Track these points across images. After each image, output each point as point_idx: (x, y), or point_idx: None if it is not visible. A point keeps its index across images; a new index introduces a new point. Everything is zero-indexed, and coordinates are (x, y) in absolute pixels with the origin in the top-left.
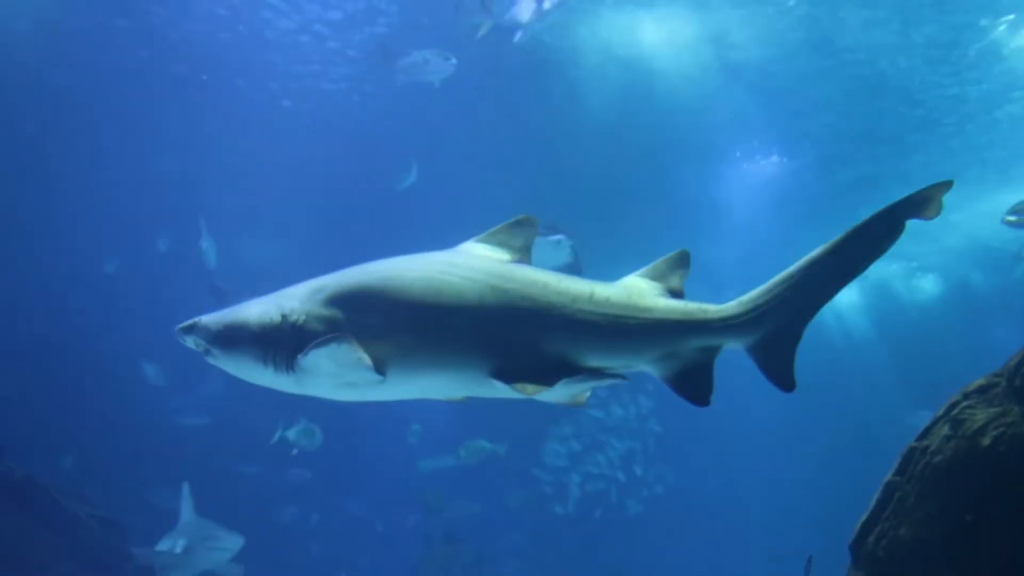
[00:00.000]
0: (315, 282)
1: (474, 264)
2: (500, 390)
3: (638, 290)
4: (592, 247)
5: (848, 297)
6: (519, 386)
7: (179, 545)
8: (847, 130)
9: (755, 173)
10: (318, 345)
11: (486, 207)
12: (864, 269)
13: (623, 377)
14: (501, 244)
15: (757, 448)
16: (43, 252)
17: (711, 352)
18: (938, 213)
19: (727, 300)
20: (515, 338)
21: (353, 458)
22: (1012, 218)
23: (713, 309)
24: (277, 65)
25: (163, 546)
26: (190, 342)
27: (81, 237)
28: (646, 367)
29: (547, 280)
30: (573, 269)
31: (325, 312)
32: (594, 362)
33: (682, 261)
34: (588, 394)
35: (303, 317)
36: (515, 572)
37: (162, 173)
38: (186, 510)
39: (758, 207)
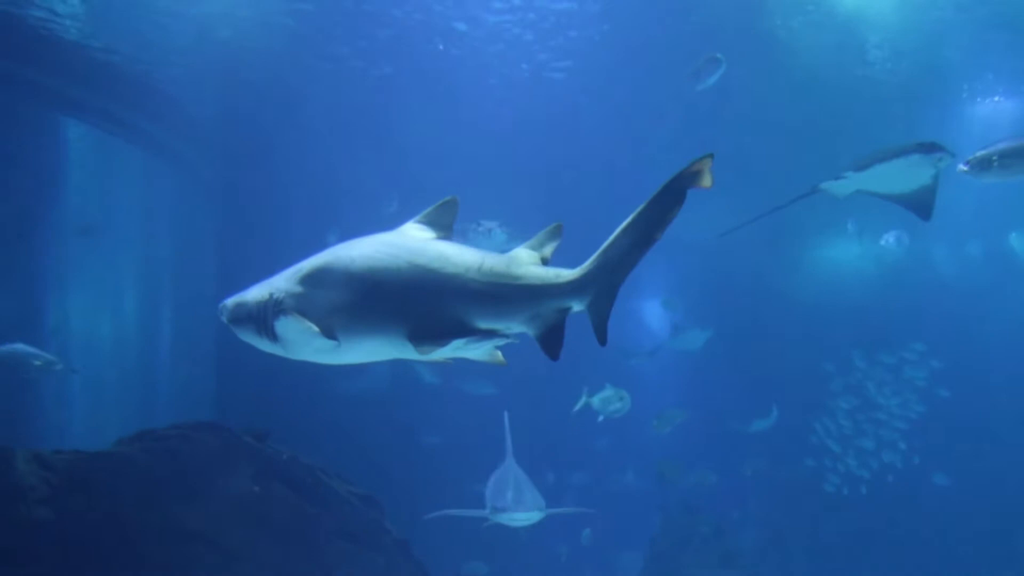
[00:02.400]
0: (299, 264)
1: (402, 243)
2: (415, 352)
3: (517, 259)
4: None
5: None
6: (420, 347)
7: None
8: None
9: (975, 115)
10: (275, 318)
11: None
12: (659, 235)
13: (509, 337)
14: (431, 223)
15: None
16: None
17: (564, 312)
18: (712, 182)
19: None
20: (422, 306)
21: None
22: (964, 167)
23: (565, 274)
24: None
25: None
26: (225, 321)
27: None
28: (521, 328)
29: (451, 254)
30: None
31: (297, 289)
32: (484, 324)
33: (555, 233)
34: (500, 353)
35: (282, 295)
36: (755, 542)
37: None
38: (508, 445)
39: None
